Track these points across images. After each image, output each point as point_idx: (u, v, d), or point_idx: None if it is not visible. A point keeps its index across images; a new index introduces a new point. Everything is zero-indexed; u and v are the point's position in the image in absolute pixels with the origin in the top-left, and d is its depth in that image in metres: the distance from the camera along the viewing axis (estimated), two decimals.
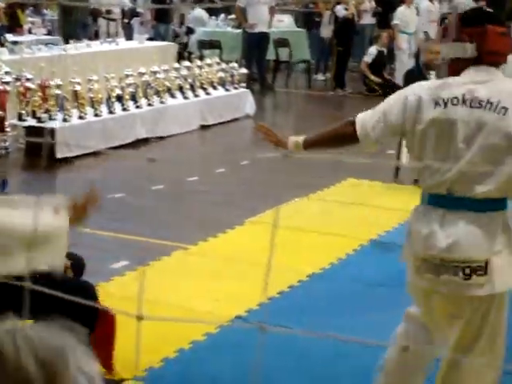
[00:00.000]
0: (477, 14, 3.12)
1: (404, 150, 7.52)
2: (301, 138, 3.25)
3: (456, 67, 3.00)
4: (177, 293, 5.00)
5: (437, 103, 2.93)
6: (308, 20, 16.66)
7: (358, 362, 3.94)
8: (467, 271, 2.91)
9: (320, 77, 15.84)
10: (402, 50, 14.14)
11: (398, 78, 12.87)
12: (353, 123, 3.16)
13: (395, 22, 14.35)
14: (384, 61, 14.41)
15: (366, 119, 3.14)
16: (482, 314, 3.01)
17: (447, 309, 3.08)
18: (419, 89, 3.03)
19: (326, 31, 15.35)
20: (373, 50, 14.12)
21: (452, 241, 2.91)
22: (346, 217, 6.84)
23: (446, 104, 2.92)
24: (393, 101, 3.11)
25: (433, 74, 7.82)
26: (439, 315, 3.13)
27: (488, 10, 3.24)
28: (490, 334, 3.04)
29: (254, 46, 13.87)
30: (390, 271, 4.94)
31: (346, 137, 3.17)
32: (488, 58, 2.94)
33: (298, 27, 16.75)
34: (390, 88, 13.47)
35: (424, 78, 7.71)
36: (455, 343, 3.08)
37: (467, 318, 3.02)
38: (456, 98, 2.91)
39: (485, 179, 2.87)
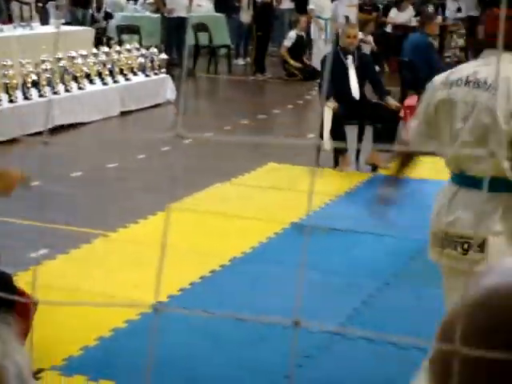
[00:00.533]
0: None
1: (326, 134, 7.59)
2: None
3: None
4: (97, 280, 4.94)
5: (445, 85, 3.10)
6: (227, 5, 16.61)
7: (278, 345, 3.96)
8: (465, 246, 3.01)
9: (240, 62, 15.83)
10: (318, 35, 14.28)
11: (316, 63, 12.98)
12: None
13: (310, 7, 14.46)
14: (303, 45, 14.49)
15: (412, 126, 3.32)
16: (450, 282, 3.09)
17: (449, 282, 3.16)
18: (438, 76, 3.20)
19: (246, 16, 15.35)
20: (292, 35, 14.18)
21: (455, 216, 3.02)
22: (267, 201, 6.87)
23: (451, 85, 3.07)
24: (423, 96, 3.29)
25: (350, 58, 7.91)
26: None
27: None
28: None
29: (173, 31, 13.76)
30: (311, 254, 4.99)
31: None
32: (492, 40, 3.03)
33: (217, 12, 16.69)
34: (309, 73, 13.59)
35: (342, 63, 7.79)
36: None
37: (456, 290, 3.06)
38: (460, 79, 3.05)
39: (479, 158, 2.96)
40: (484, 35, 3.15)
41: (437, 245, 3.11)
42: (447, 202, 3.07)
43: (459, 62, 15.09)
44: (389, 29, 15.70)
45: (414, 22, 14.51)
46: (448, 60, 14.95)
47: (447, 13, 16.86)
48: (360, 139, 8.21)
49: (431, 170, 8.09)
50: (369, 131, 8.10)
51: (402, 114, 8.66)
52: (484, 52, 3.11)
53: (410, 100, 10.51)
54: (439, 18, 14.53)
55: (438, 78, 3.19)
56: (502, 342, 0.57)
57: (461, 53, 15.93)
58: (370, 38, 14.39)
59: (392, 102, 8.03)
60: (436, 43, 13.78)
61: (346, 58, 7.86)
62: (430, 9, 14.56)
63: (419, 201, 6.74)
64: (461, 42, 16.00)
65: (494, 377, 0.57)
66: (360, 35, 14.63)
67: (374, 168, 7.94)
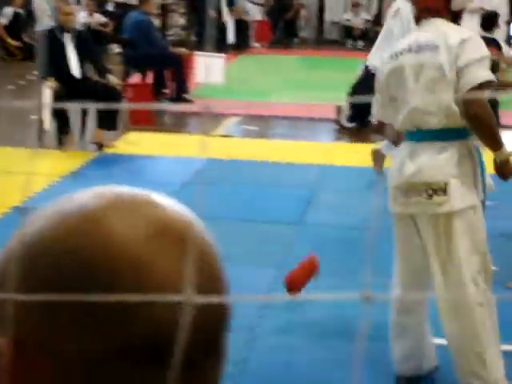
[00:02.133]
0: None
1: (46, 114, 7.40)
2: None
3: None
4: None
5: (391, 57, 3.44)
6: None
7: None
8: (430, 192, 3.32)
9: None
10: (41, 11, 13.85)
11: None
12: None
13: None
14: (22, 23, 13.98)
15: (378, 110, 3.59)
16: (441, 231, 3.33)
17: (417, 231, 3.42)
18: (384, 55, 3.57)
19: None
20: (8, 11, 13.61)
21: (417, 167, 3.34)
22: None
23: (397, 56, 3.42)
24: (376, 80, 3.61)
25: (68, 35, 7.75)
26: (415, 247, 3.46)
27: None
28: (442, 257, 3.34)
29: None
30: None
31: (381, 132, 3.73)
32: (422, 15, 3.45)
33: None
34: (31, 52, 13.15)
35: (59, 40, 7.62)
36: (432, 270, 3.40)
37: (429, 238, 3.36)
38: (404, 49, 3.40)
39: (433, 111, 3.31)
40: (416, 11, 3.52)
41: (402, 196, 3.40)
42: (408, 156, 3.38)
43: (182, 41, 15.42)
44: (110, 7, 15.61)
45: (134, 1, 14.55)
46: (171, 38, 15.17)
47: None
48: (83, 118, 8.12)
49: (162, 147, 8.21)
50: (92, 110, 8.04)
51: (124, 92, 8.69)
52: (421, 22, 3.46)
53: (133, 78, 10.56)
54: None
55: (384, 57, 3.54)
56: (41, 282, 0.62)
57: (182, 31, 16.23)
58: (99, 16, 14.25)
59: (113, 79, 8.02)
60: (158, 22, 13.91)
61: (64, 36, 7.71)
62: None
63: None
64: (182, 20, 16.29)
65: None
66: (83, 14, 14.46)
67: (100, 147, 7.90)
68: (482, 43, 3.34)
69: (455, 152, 3.33)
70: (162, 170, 7.53)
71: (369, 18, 16.77)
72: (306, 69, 14.25)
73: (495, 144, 3.34)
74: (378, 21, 16.21)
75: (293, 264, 5.03)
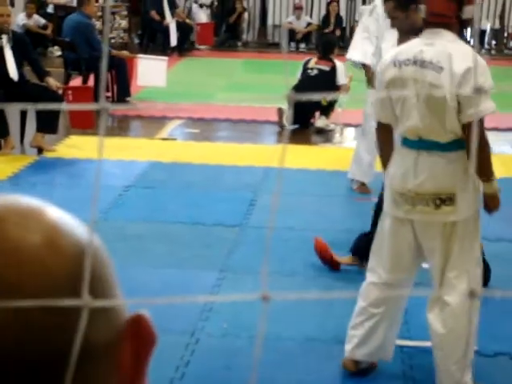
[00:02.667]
0: None
1: None
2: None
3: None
4: None
5: (394, 65, 3.42)
6: None
7: None
8: (437, 202, 3.41)
9: None
10: None
11: None
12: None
13: None
14: None
15: (377, 111, 3.59)
16: (446, 238, 3.44)
17: (417, 237, 3.51)
18: (386, 58, 3.54)
19: None
20: None
21: (424, 177, 3.41)
22: None
23: (400, 65, 3.40)
24: (376, 81, 3.59)
25: (4, 37, 7.60)
26: (407, 245, 3.52)
27: None
28: (443, 262, 3.44)
29: None
30: None
31: (389, 135, 3.59)
32: (432, 19, 3.40)
33: None
34: None
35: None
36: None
37: (432, 243, 3.46)
38: (408, 59, 3.39)
39: (436, 129, 3.37)
40: (426, 14, 3.43)
41: (406, 204, 3.46)
42: (412, 165, 3.43)
43: (124, 44, 15.30)
44: (50, 9, 15.42)
45: (74, 3, 14.39)
46: (113, 41, 15.04)
47: None
48: (23, 121, 7.99)
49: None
50: (32, 113, 7.91)
51: (65, 95, 8.57)
52: (425, 31, 3.43)
53: (74, 81, 10.44)
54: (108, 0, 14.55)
55: (386, 60, 3.50)
56: None
57: (124, 34, 16.11)
58: (38, 18, 14.05)
59: (52, 82, 7.89)
60: (99, 24, 13.78)
61: (1, 38, 7.57)
62: None
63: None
64: (124, 23, 16.17)
65: None
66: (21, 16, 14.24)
67: (40, 151, 7.78)
68: (487, 70, 3.32)
69: (461, 163, 3.41)
70: (104, 174, 7.43)
71: (311, 21, 16.86)
72: (249, 72, 14.26)
73: (490, 174, 3.42)
74: (326, 23, 16.30)
75: (236, 267, 5.04)
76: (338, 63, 9.14)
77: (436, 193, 3.42)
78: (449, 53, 3.33)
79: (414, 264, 3.59)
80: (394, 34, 5.04)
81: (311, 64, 9.29)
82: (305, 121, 9.10)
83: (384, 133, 3.59)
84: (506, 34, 16.69)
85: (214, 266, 5.00)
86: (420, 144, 3.44)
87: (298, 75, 9.29)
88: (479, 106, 3.31)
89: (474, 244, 3.47)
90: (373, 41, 6.22)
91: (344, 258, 4.98)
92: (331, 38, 11.66)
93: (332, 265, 4.96)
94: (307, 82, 8.90)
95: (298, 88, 8.90)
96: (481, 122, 3.39)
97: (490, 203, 3.49)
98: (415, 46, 3.47)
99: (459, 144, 3.39)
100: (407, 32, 4.40)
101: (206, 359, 3.81)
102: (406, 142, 3.49)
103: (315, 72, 9.17)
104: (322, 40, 10.73)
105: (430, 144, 3.42)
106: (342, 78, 9.08)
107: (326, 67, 9.17)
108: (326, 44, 9.61)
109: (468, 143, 3.30)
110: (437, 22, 3.40)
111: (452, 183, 3.41)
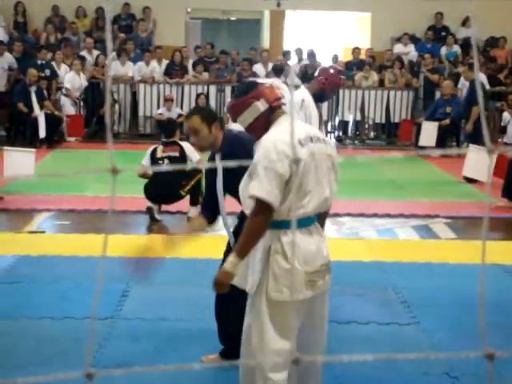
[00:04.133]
0: (247, 84, 3.96)
1: None
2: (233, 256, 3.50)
3: (259, 125, 3.60)
4: None
5: (301, 144, 3.47)
6: None
7: None
8: (326, 272, 3.64)
9: None
10: None
11: None
12: (261, 206, 3.38)
13: None
14: None
15: (270, 191, 3.38)
16: (326, 305, 3.72)
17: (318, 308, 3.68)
18: (281, 141, 3.41)
19: None
20: None
21: (326, 248, 3.64)
22: None
23: (302, 144, 3.48)
24: (271, 162, 3.38)
25: None
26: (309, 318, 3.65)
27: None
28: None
29: None
30: None
31: (267, 220, 3.41)
32: (276, 103, 3.64)
33: None
34: None
35: None
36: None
37: (322, 312, 3.70)
38: (307, 137, 3.53)
39: (331, 197, 3.62)
40: (268, 104, 3.64)
41: (319, 278, 3.57)
42: (321, 239, 3.61)
43: None
44: None
45: None
46: None
47: None
48: None
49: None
50: None
51: None
52: (280, 115, 3.64)
53: None
54: None
55: (280, 144, 3.39)
56: None
57: None
58: None
59: None
60: None
61: None
62: None
63: None
64: None
65: None
66: None
67: None
68: (271, 154, 3.55)
69: (323, 235, 3.71)
70: None
71: (182, 112, 17.08)
72: (121, 162, 14.04)
73: (242, 252, 3.48)
74: None
75: (108, 364, 4.85)
76: (184, 144, 9.26)
77: (324, 263, 3.65)
78: (307, 127, 3.76)
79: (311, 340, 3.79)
80: None
81: (159, 153, 9.26)
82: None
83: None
84: (366, 126, 17.45)
85: (83, 363, 4.80)
86: (308, 221, 3.61)
87: (145, 163, 9.27)
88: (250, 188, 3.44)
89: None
90: None
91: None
92: (172, 122, 12.28)
93: None
94: (161, 174, 8.80)
95: (155, 182, 8.94)
96: (256, 202, 3.41)
97: (223, 278, 3.50)
98: (300, 127, 3.73)
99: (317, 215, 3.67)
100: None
101: None
102: (303, 221, 3.60)
103: (166, 162, 9.15)
104: (165, 126, 11.34)
105: (317, 217, 3.66)
106: (193, 156, 9.12)
107: (175, 153, 9.21)
108: (168, 129, 10.06)
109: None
110: (279, 104, 3.72)
111: (327, 251, 3.71)
